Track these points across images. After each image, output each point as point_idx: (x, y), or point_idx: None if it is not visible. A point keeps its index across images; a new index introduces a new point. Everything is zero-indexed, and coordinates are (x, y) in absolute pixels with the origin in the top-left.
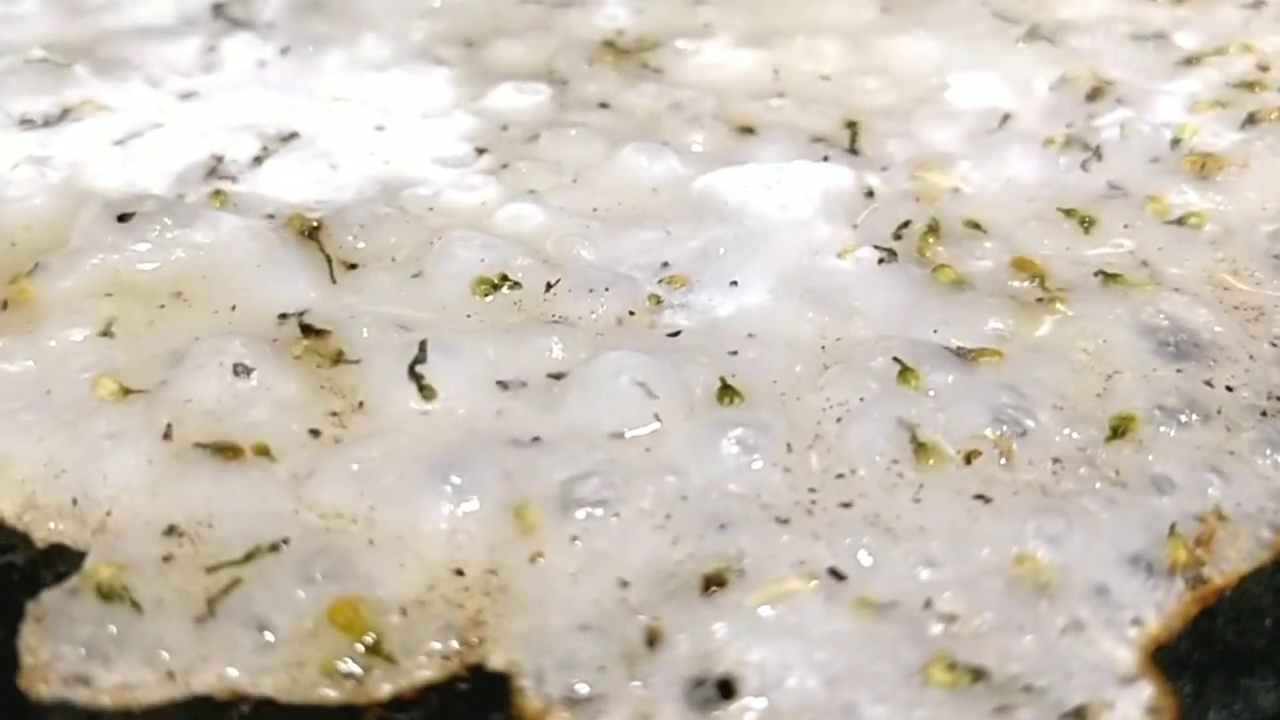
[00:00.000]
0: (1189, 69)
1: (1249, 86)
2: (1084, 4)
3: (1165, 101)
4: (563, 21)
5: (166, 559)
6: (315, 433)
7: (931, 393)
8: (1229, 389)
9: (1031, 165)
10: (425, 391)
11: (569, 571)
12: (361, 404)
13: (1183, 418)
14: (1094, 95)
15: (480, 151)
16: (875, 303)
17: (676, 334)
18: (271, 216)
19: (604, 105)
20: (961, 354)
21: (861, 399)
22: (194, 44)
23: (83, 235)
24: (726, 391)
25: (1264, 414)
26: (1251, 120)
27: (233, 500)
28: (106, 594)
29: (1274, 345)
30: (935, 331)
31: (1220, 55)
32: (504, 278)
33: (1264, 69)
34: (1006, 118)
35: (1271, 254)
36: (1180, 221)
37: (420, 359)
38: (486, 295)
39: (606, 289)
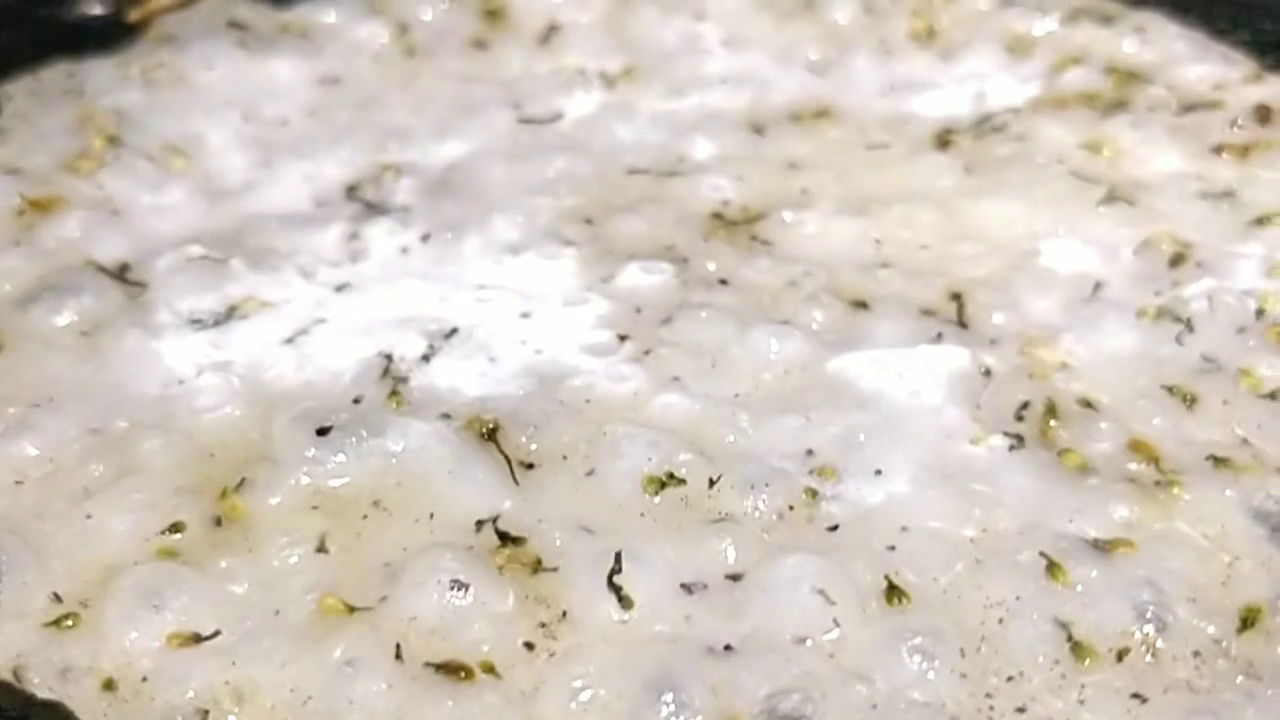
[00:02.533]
0: (1261, 229)
1: None
2: (1156, 162)
3: (1244, 266)
4: (671, 193)
5: None
6: (530, 646)
7: (1079, 588)
8: None
9: (1130, 338)
10: (624, 601)
11: None
12: (565, 614)
13: None
14: (1176, 261)
15: (622, 339)
16: (1012, 491)
17: (835, 528)
18: (447, 416)
19: (724, 282)
20: (1098, 546)
21: (1018, 597)
22: (337, 231)
23: (283, 449)
24: (894, 592)
25: None
26: None
27: None
28: None
29: None
30: (1071, 521)
31: None
32: (670, 475)
33: None
34: (1099, 285)
35: None
36: (1273, 396)
37: (617, 569)
38: (655, 494)
39: (766, 485)
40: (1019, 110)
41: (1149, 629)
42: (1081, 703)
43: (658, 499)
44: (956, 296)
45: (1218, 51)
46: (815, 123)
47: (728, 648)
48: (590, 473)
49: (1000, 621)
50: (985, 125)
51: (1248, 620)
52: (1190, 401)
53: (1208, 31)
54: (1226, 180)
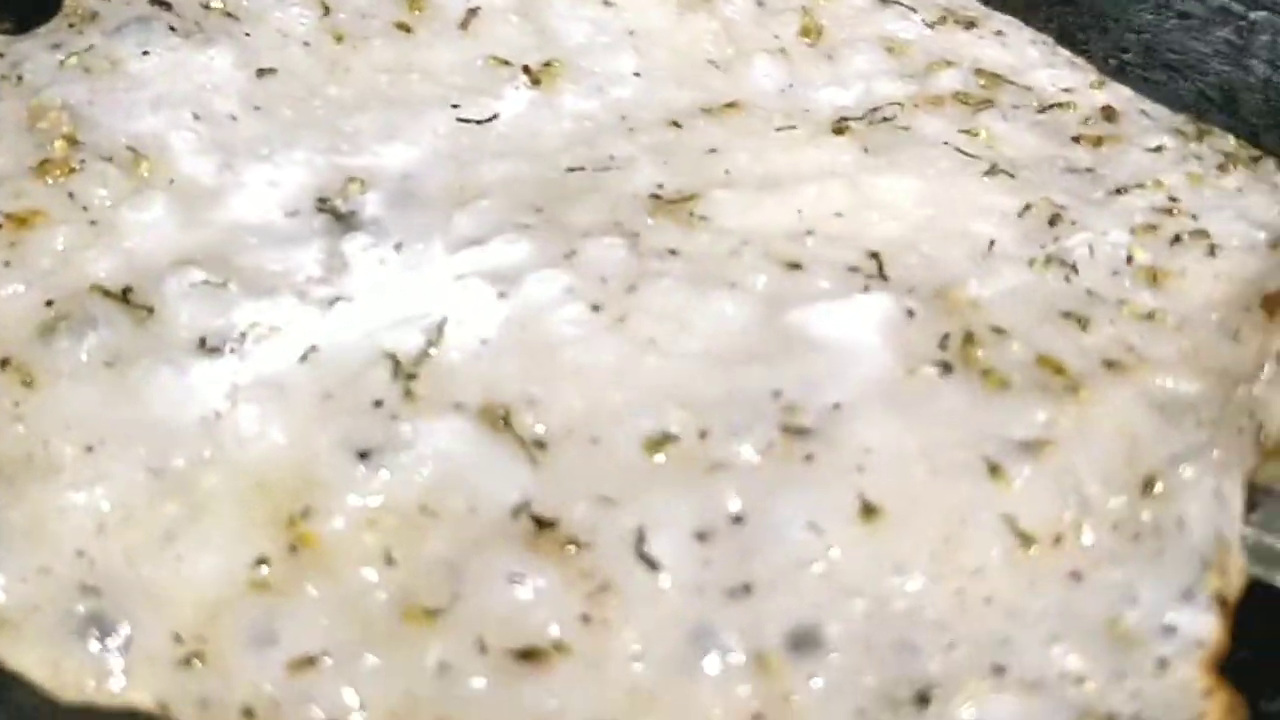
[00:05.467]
0: (1120, 196)
1: (1167, 212)
2: (1026, 147)
3: (1111, 224)
4: (609, 184)
5: None
6: (586, 619)
7: (1016, 484)
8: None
9: (1026, 279)
10: (653, 565)
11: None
12: (607, 585)
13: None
14: (1054, 221)
15: (595, 309)
16: (947, 409)
17: (809, 458)
18: (459, 406)
19: (674, 252)
20: (1027, 447)
21: (970, 501)
22: (317, 248)
23: (331, 474)
24: (869, 511)
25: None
26: (1177, 239)
27: (563, 697)
28: None
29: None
30: (1001, 429)
31: (1140, 188)
32: (666, 435)
33: (1174, 199)
34: (993, 242)
35: (1223, 332)
36: (1150, 316)
37: (643, 541)
38: (654, 454)
39: (749, 429)
40: (902, 105)
41: (1073, 513)
42: (1032, 584)
43: (660, 457)
44: (875, 255)
45: (1064, 58)
46: (726, 114)
47: (745, 588)
48: (595, 441)
49: (961, 522)
50: (875, 115)
51: (1148, 485)
52: (1083, 324)
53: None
54: (1087, 160)
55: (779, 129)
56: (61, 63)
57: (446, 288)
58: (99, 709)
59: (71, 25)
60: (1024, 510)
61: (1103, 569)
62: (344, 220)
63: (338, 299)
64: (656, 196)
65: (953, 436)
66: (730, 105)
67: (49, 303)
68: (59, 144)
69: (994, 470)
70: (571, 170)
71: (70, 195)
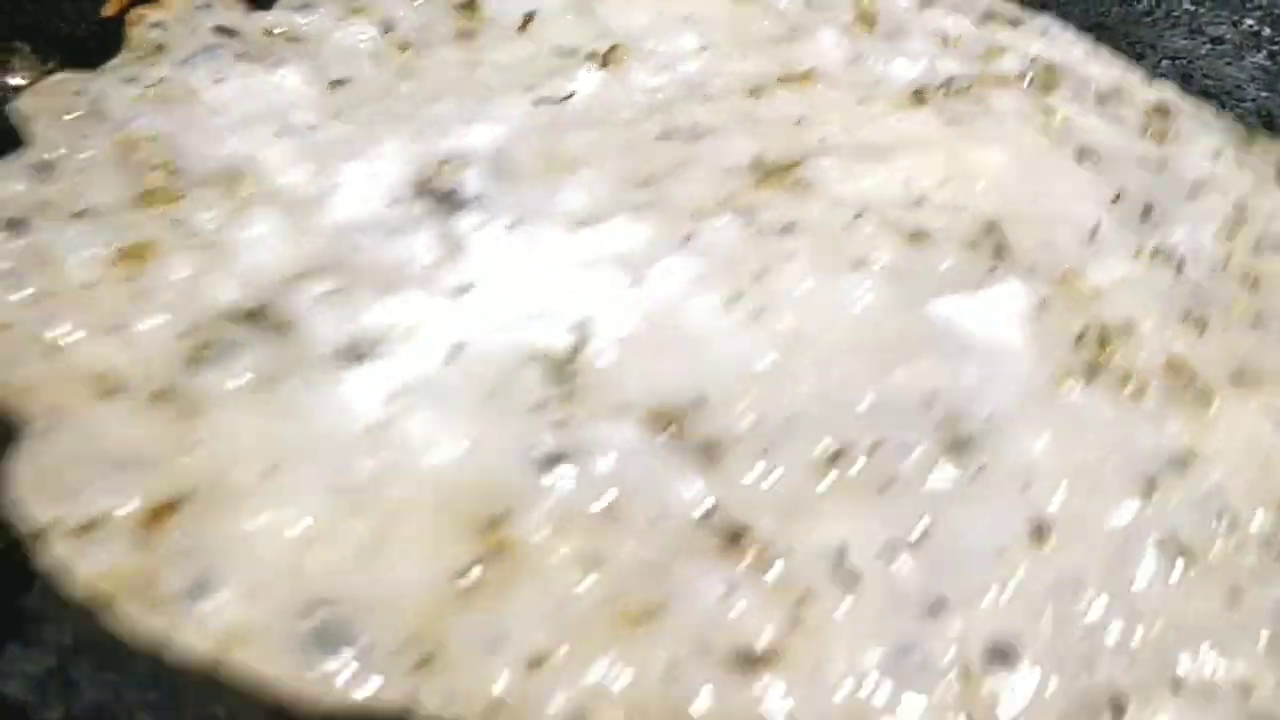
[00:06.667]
0: (1198, 195)
1: (1242, 213)
2: (1099, 134)
3: (1201, 221)
4: (703, 153)
5: None
6: (792, 627)
7: (1172, 501)
8: None
9: (1137, 270)
10: (850, 581)
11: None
12: (807, 597)
13: None
14: (1146, 213)
15: (731, 299)
16: (1094, 421)
17: (980, 472)
18: (624, 409)
19: (791, 227)
20: (1173, 461)
21: (1131, 518)
22: (428, 235)
23: (515, 481)
24: (1040, 529)
25: None
26: (1260, 242)
27: (782, 703)
28: None
29: None
30: (1148, 439)
31: (1211, 188)
32: (839, 451)
33: (1243, 205)
34: (1096, 227)
35: None
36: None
37: (841, 554)
38: (829, 468)
39: (913, 444)
40: (970, 81)
41: (1224, 528)
42: (1196, 599)
43: (834, 472)
44: (992, 229)
45: (1106, 54)
46: (802, 84)
47: (939, 603)
48: (767, 451)
49: (1125, 539)
50: (950, 87)
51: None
52: (1201, 326)
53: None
54: (1156, 154)
55: (862, 101)
56: (140, 96)
57: (576, 275)
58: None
59: (140, 58)
60: (1180, 526)
61: (1258, 584)
62: (447, 200)
63: (465, 288)
64: (757, 166)
65: (1104, 451)
66: (805, 75)
67: (187, 332)
68: (155, 175)
69: (1149, 486)
70: (662, 139)
71: (176, 223)
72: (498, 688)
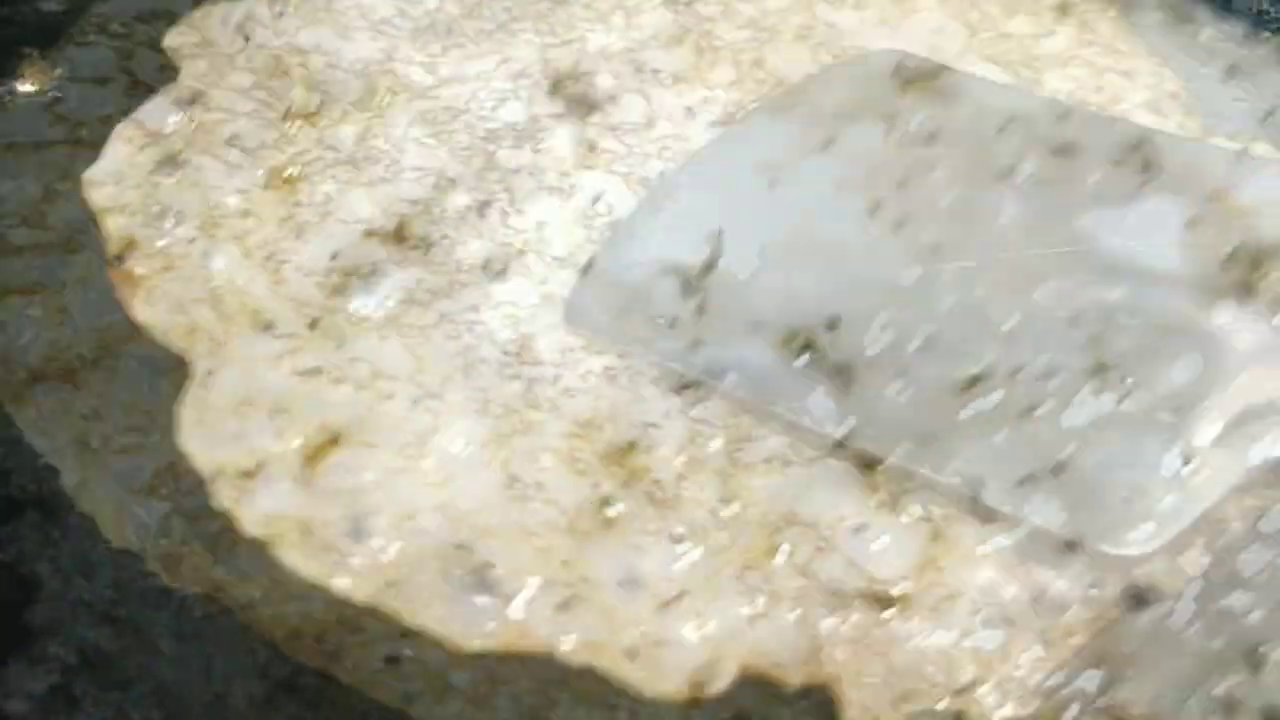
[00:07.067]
0: None
1: None
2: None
3: None
4: (841, 53)
5: None
6: (925, 567)
7: None
8: None
9: None
10: (989, 516)
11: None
12: (941, 534)
13: None
14: None
15: (872, 210)
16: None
17: (1124, 399)
18: (758, 326)
19: (934, 136)
20: None
21: None
22: (563, 137)
23: (649, 405)
24: (1185, 459)
25: None
26: None
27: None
28: None
29: None
30: None
31: None
32: (978, 376)
33: None
34: (1246, 147)
35: None
36: None
37: (978, 489)
38: (967, 393)
39: (1058, 372)
40: None
41: None
42: None
43: (973, 399)
44: (1140, 144)
45: None
46: None
47: (1072, 545)
48: (904, 374)
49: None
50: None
51: None
52: None
53: None
54: None
55: (1006, 11)
56: (279, 14)
57: (713, 179)
58: (492, 656)
59: None
60: None
61: None
62: (582, 102)
63: (599, 196)
64: (898, 73)
65: (1254, 377)
66: None
67: (334, 255)
68: (298, 91)
69: None
70: (798, 39)
71: (319, 140)
72: (635, 630)
